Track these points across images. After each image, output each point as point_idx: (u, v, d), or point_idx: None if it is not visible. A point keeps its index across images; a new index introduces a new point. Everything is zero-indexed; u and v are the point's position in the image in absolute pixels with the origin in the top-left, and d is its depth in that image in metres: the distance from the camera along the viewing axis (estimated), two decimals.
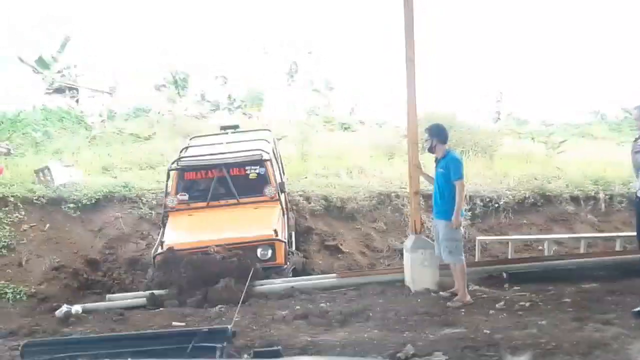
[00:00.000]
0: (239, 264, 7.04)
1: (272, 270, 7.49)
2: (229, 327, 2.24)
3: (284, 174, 10.10)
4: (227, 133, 10.08)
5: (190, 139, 10.34)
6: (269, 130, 10.90)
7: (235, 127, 10.58)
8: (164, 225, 8.22)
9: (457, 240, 6.45)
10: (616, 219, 10.82)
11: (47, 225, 9.46)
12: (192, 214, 8.35)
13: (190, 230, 8.07)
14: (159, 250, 7.52)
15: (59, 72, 21.21)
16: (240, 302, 5.57)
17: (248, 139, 9.71)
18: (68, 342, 2.61)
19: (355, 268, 9.40)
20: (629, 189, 10.70)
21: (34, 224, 9.41)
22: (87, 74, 21.41)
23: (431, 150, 6.66)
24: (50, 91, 20.49)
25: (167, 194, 8.50)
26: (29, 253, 8.97)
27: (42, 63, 20.59)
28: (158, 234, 8.41)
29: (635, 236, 6.00)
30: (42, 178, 10.21)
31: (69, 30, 21.25)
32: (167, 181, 8.61)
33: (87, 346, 2.30)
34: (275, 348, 2.13)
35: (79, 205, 9.73)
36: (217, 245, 7.32)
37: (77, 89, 20.83)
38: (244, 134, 10.40)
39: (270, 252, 7.50)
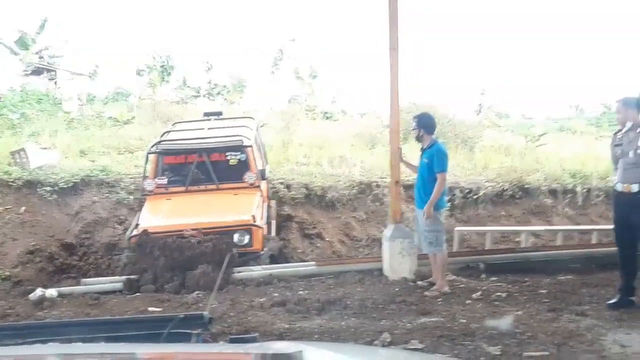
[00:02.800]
0: (214, 249, 6.98)
1: (248, 256, 7.46)
2: (205, 313, 2.21)
3: (266, 161, 10.04)
4: (209, 119, 10.00)
5: (173, 124, 10.24)
6: (253, 118, 10.84)
7: (219, 113, 10.50)
8: (141, 209, 8.13)
9: (438, 231, 6.43)
10: (593, 212, 10.96)
11: (23, 208, 9.31)
12: (170, 198, 8.26)
13: (167, 214, 7.97)
14: (134, 233, 7.44)
15: (37, 53, 20.85)
16: (216, 288, 5.53)
17: (230, 125, 9.63)
18: (40, 327, 2.56)
19: (334, 256, 9.42)
20: (606, 182, 10.83)
21: (9, 207, 9.25)
22: (66, 56, 21.09)
23: (418, 139, 6.63)
24: (28, 72, 20.15)
25: (145, 177, 8.41)
26: (3, 236, 8.82)
27: (21, 43, 20.21)
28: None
29: (611, 229, 6.06)
30: (18, 160, 10.04)
31: (48, 12, 20.88)
32: (145, 164, 8.52)
33: (60, 330, 2.25)
34: (251, 335, 2.10)
35: (56, 188, 9.58)
36: (192, 229, 7.25)
37: (55, 71, 20.50)
38: (226, 120, 10.32)
39: (247, 237, 7.42)
